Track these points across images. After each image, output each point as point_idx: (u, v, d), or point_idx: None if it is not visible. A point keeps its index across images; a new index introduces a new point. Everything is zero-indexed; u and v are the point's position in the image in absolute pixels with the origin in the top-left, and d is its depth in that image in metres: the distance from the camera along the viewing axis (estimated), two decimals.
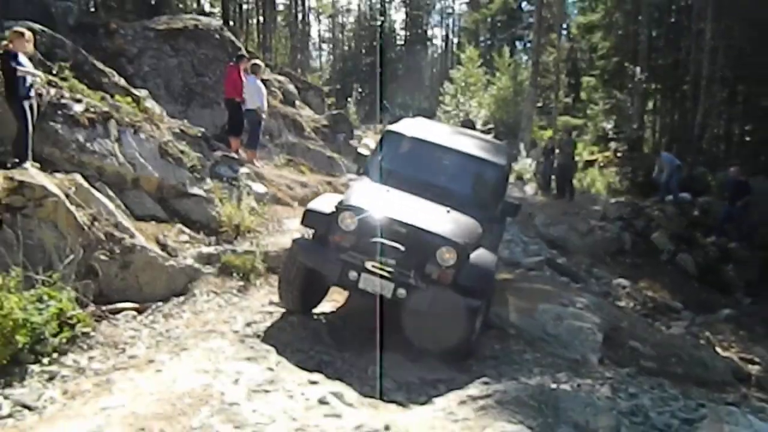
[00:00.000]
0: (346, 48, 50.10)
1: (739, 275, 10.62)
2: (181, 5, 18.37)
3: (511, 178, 12.51)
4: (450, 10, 51.60)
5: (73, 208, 5.10)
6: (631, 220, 12.23)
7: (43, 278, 4.33)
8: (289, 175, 10.17)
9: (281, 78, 16.78)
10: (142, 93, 8.83)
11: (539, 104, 26.85)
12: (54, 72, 6.66)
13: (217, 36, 12.52)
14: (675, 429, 3.51)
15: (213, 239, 6.65)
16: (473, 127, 9.65)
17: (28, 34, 5.63)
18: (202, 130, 9.12)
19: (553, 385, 4.02)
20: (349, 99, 27.90)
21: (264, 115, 9.75)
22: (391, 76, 43.05)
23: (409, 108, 32.83)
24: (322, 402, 3.34)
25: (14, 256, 4.39)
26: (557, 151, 14.66)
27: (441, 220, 4.73)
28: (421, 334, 4.40)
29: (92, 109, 6.39)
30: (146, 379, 3.62)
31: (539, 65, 23.99)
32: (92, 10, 13.71)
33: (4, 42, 5.50)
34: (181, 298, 5.51)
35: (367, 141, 18.31)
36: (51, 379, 3.78)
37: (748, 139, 18.30)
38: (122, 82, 8.57)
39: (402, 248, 4.44)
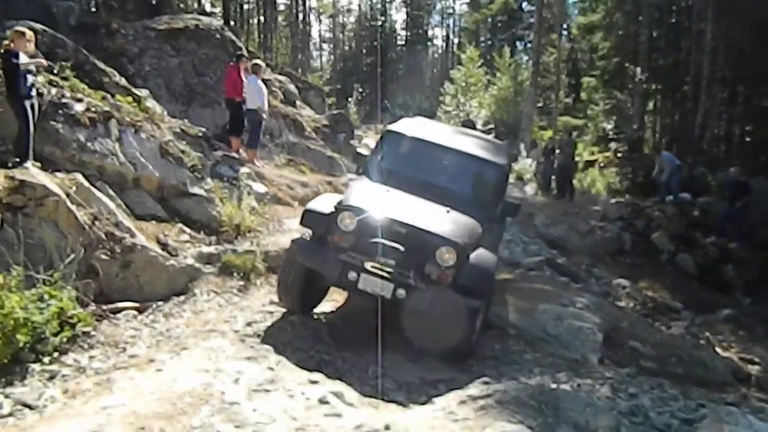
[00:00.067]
0: (346, 48, 50.12)
1: (738, 275, 10.62)
2: (182, 5, 18.38)
3: (512, 179, 12.53)
4: (450, 11, 51.68)
5: (73, 207, 5.11)
6: (631, 221, 12.23)
7: (44, 277, 4.33)
8: (289, 175, 10.18)
9: (282, 78, 16.80)
10: (143, 93, 8.84)
11: (539, 104, 26.85)
12: (55, 71, 6.66)
13: (218, 36, 12.52)
14: (675, 429, 3.51)
15: (213, 239, 6.66)
16: (474, 127, 9.65)
17: (30, 33, 5.64)
18: (203, 129, 9.13)
19: (553, 385, 4.02)
20: (349, 99, 27.84)
21: (265, 115, 9.75)
22: (391, 76, 43.13)
23: (410, 108, 32.82)
24: (323, 401, 3.34)
25: (15, 256, 4.40)
26: (557, 151, 14.66)
27: (441, 220, 4.72)
28: (421, 334, 4.40)
29: (93, 109, 6.40)
30: (147, 378, 3.62)
31: (540, 65, 23.99)
32: (93, 9, 13.70)
33: (6, 41, 5.51)
34: (182, 298, 5.52)
35: (368, 141, 18.33)
36: (52, 378, 3.79)
37: (748, 139, 18.29)
38: (123, 81, 8.58)
39: (401, 248, 4.43)
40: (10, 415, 3.30)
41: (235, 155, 9.19)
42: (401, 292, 4.39)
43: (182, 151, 7.21)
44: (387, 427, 3.09)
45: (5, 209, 4.71)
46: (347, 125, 17.30)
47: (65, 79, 6.69)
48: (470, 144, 5.91)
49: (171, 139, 7.34)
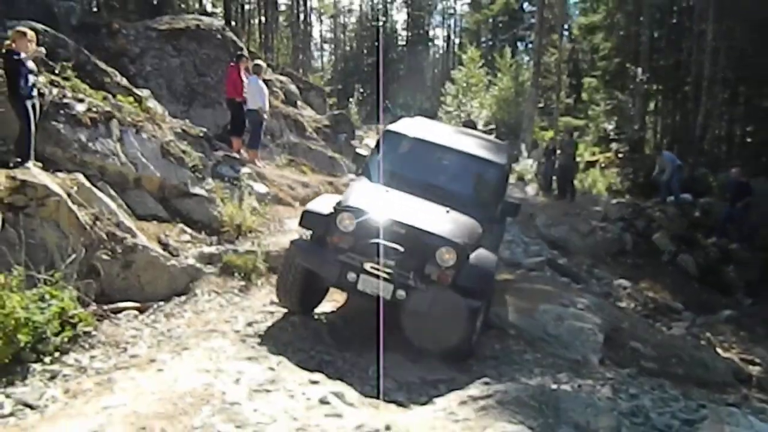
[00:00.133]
0: (347, 48, 50.13)
1: (739, 276, 10.62)
2: (183, 5, 18.40)
3: (513, 179, 12.55)
4: (451, 11, 51.72)
5: (75, 207, 5.12)
6: (632, 221, 12.23)
7: (45, 277, 4.34)
8: (290, 175, 10.19)
9: (283, 78, 16.81)
10: (144, 93, 8.84)
11: (540, 105, 26.83)
12: (56, 72, 6.68)
13: (219, 36, 12.53)
14: (675, 430, 3.51)
15: (214, 239, 6.66)
16: (475, 128, 9.65)
17: (31, 33, 5.65)
18: (204, 130, 9.14)
19: (554, 386, 4.02)
20: (350, 99, 27.82)
21: (266, 116, 9.76)
22: (392, 77, 43.10)
23: (411, 108, 32.80)
24: (323, 402, 3.35)
25: (16, 256, 4.40)
26: (558, 151, 14.65)
27: (440, 220, 4.72)
28: (421, 334, 4.39)
29: (94, 109, 6.41)
30: (148, 378, 3.62)
31: (541, 66, 23.95)
32: (95, 10, 13.72)
33: (7, 41, 5.52)
34: (183, 298, 5.53)
35: (369, 141, 18.33)
36: (53, 378, 3.79)
37: (749, 140, 18.29)
38: (124, 81, 8.58)
39: (401, 249, 4.42)
40: (11, 414, 3.30)
41: (236, 155, 9.20)
42: (401, 292, 4.38)
43: (183, 152, 7.22)
44: (387, 428, 3.09)
45: (6, 209, 4.71)
46: (348, 125, 17.30)
47: (66, 79, 6.70)
48: (470, 143, 5.91)
49: (172, 139, 7.34)
